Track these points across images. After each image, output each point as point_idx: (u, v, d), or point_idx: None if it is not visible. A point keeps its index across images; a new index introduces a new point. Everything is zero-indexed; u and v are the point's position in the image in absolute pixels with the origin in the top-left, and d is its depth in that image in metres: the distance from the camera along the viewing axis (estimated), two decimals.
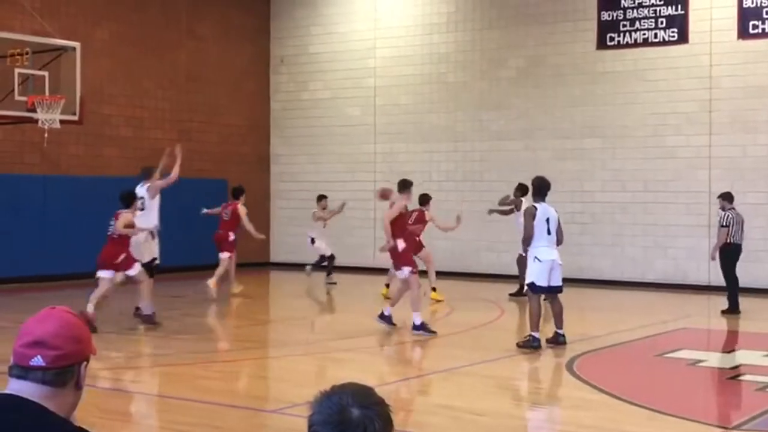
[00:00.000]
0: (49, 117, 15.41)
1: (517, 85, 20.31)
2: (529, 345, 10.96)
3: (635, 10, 18.99)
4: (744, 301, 15.03)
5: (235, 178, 22.44)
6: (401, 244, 12.39)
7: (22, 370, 2.53)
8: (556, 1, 19.87)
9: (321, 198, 19.01)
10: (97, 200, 19.02)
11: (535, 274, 11.20)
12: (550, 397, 8.89)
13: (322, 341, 12.49)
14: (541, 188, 11.57)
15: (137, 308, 13.08)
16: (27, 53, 15.37)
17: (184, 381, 9.49)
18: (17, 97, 15.43)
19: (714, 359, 11.15)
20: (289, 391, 8.90)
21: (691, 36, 18.48)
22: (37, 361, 2.51)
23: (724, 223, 14.95)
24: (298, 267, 19.68)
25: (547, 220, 11.27)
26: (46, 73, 15.76)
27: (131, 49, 20.35)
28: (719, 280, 15.76)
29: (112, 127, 19.91)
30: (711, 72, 18.30)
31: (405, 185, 12.85)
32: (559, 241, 11.40)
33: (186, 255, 19.93)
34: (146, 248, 13.49)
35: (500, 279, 19.82)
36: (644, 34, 18.93)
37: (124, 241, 12.64)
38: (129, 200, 12.96)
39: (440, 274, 16.81)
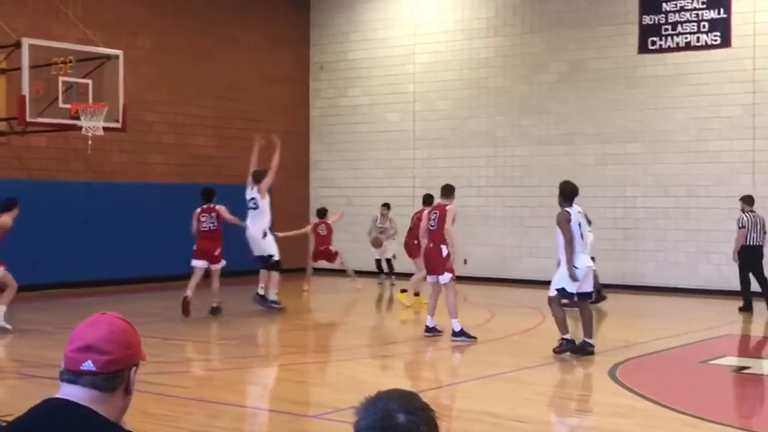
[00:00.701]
0: (93, 124, 15.61)
1: (558, 89, 20.21)
2: (565, 349, 10.84)
3: (677, 14, 18.82)
4: None
5: (275, 184, 22.56)
6: (445, 250, 12.34)
7: (73, 375, 2.55)
8: (597, 6, 19.76)
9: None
10: (141, 206, 19.27)
11: (567, 281, 11.02)
12: (592, 404, 8.82)
13: (363, 347, 12.50)
14: (571, 193, 11.42)
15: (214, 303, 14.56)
16: (71, 61, 15.58)
17: (227, 385, 9.54)
18: (61, 105, 15.65)
19: (759, 366, 11.01)
20: (330, 397, 8.92)
21: (733, 39, 18.28)
22: (88, 365, 2.54)
23: (741, 225, 15.51)
24: (338, 273, 19.71)
25: (579, 224, 11.17)
26: (89, 81, 15.96)
27: (173, 57, 20.54)
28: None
29: (154, 134, 20.10)
30: (754, 76, 18.09)
31: (450, 191, 12.81)
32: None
33: (229, 261, 20.06)
34: (262, 245, 14.81)
35: (541, 285, 19.71)
36: (686, 38, 18.75)
37: (219, 236, 14.52)
38: (210, 195, 14.90)
39: (481, 280, 16.75)
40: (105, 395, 2.55)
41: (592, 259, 16.34)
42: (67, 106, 15.61)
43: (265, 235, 14.91)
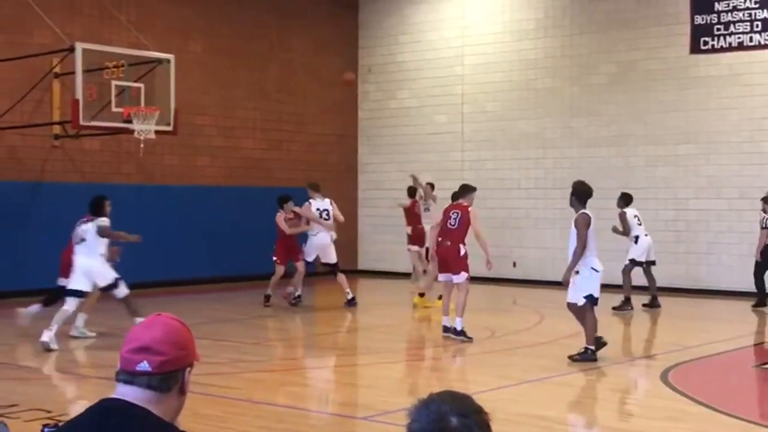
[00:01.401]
0: (145, 128, 15.79)
1: (608, 90, 20.04)
2: (588, 358, 10.54)
3: (729, 14, 18.56)
4: None
5: (324, 187, 22.63)
6: (462, 249, 12.29)
7: (128, 375, 2.59)
8: (648, 6, 19.56)
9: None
10: (190, 208, 19.46)
11: (594, 286, 10.70)
12: (644, 408, 8.73)
13: (411, 349, 12.49)
14: (586, 195, 11.02)
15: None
16: (123, 66, 15.78)
17: (275, 387, 9.59)
18: (114, 109, 15.84)
19: None
20: (379, 399, 8.93)
21: None
22: (144, 366, 2.57)
23: (765, 225, 15.86)
24: (385, 275, 19.73)
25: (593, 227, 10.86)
26: (141, 85, 16.15)
27: (223, 61, 20.73)
28: None
29: (204, 137, 20.29)
30: None
31: (468, 190, 12.86)
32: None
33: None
34: (331, 253, 16.04)
35: None
36: (739, 37, 18.48)
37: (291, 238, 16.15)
38: (285, 200, 16.37)
39: (530, 283, 16.65)
40: (160, 395, 2.58)
41: (653, 263, 16.09)
42: (120, 109, 15.80)
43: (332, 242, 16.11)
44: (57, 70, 17.00)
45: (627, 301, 15.69)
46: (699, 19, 18.90)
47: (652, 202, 19.36)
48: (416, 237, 18.14)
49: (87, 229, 12.20)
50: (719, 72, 18.73)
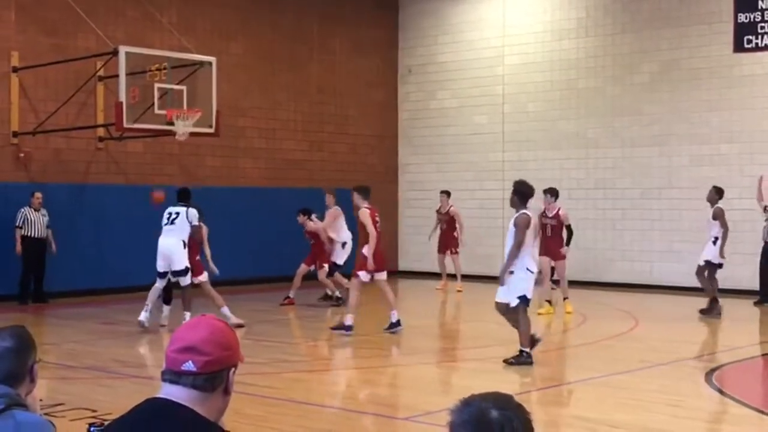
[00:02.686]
0: (187, 129, 15.92)
1: (650, 90, 19.87)
2: (523, 361, 10.37)
3: None
4: None
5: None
6: (363, 249, 12.74)
7: (174, 375, 2.61)
8: (690, 4, 19.36)
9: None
10: (233, 210, 19.58)
11: (526, 287, 10.44)
12: (689, 410, 8.64)
13: (452, 350, 12.47)
14: (528, 195, 10.66)
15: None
16: (165, 68, 15.92)
17: (316, 387, 9.63)
18: (157, 111, 15.99)
19: None
20: (420, 399, 8.92)
21: None
22: (189, 366, 2.59)
23: None
24: (426, 275, 19.72)
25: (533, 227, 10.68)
26: (183, 88, 16.28)
27: (264, 63, 20.83)
28: None
29: (246, 139, 20.41)
30: None
31: (361, 191, 13.07)
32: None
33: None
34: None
35: (634, 288, 19.41)
36: None
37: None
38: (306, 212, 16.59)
39: (572, 284, 16.52)
40: (205, 395, 2.60)
41: (720, 266, 15.34)
42: (163, 112, 15.94)
43: None
44: (101, 73, 17.20)
45: (714, 302, 15.02)
46: (742, 17, 18.66)
47: (695, 202, 19.13)
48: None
49: (180, 212, 13.44)
50: (763, 70, 18.49)
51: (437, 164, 22.94)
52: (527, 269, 10.47)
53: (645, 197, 19.92)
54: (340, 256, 16.36)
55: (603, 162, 20.45)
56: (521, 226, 10.42)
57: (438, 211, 19.68)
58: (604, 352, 11.97)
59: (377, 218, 13.00)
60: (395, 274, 23.03)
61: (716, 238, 15.04)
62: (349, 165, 22.42)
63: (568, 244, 15.57)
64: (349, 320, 12.71)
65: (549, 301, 15.42)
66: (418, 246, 22.73)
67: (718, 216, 14.96)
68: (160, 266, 13.45)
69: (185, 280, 13.31)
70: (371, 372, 10.91)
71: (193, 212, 13.50)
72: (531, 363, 10.42)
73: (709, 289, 15.10)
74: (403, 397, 9.69)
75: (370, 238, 12.67)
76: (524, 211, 10.50)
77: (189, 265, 13.33)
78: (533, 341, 10.60)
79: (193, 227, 13.45)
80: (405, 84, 23.66)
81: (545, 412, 8.76)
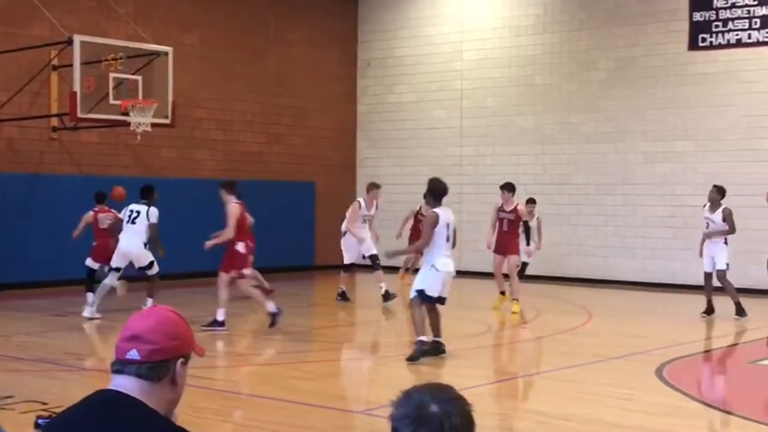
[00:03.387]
0: (142, 120, 15.78)
1: (606, 87, 20.05)
2: (419, 351, 10.34)
3: (728, 11, 18.56)
4: None
5: (323, 181, 22.68)
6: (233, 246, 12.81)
7: (120, 364, 2.60)
8: (646, 2, 19.56)
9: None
10: (188, 201, 19.43)
11: (428, 283, 10.41)
12: (639, 404, 8.74)
13: (410, 343, 12.47)
14: (441, 193, 10.67)
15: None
16: (121, 58, 15.77)
17: (274, 381, 9.60)
18: (111, 101, 15.83)
19: None
20: (376, 393, 8.94)
21: None
22: (133, 354, 2.58)
23: None
24: (387, 269, 19.67)
25: (447, 225, 10.50)
26: (139, 78, 16.14)
27: (221, 54, 20.70)
28: None
29: (202, 130, 20.27)
30: None
31: (228, 186, 13.04)
32: (453, 246, 10.74)
33: (274, 256, 20.19)
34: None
35: (589, 283, 19.59)
36: (737, 34, 18.49)
37: None
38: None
39: (528, 278, 16.63)
40: (150, 385, 2.58)
41: (726, 265, 14.91)
42: (117, 102, 15.79)
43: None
44: (55, 62, 16.99)
45: (739, 305, 14.46)
46: (698, 16, 18.90)
47: (649, 198, 19.41)
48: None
49: (140, 211, 13.55)
50: (717, 69, 18.74)
51: (395, 158, 22.97)
52: (433, 266, 10.38)
53: (600, 193, 20.11)
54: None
55: (559, 158, 20.61)
56: (427, 224, 10.54)
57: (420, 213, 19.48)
58: (557, 346, 12.07)
59: (247, 214, 13.00)
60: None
61: (726, 239, 14.42)
62: (306, 158, 22.37)
63: (528, 241, 15.63)
64: (221, 315, 12.54)
65: (503, 293, 15.33)
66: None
67: (728, 216, 14.30)
68: (116, 262, 13.58)
69: (152, 271, 13.83)
70: (328, 365, 10.90)
71: (154, 211, 13.65)
72: (427, 353, 10.30)
73: (732, 291, 14.45)
74: (359, 391, 9.70)
75: (230, 232, 12.60)
76: (434, 209, 10.49)
77: (153, 259, 13.81)
78: (438, 349, 10.54)
79: (150, 225, 13.55)
80: (364, 77, 23.65)
81: (499, 405, 8.82)
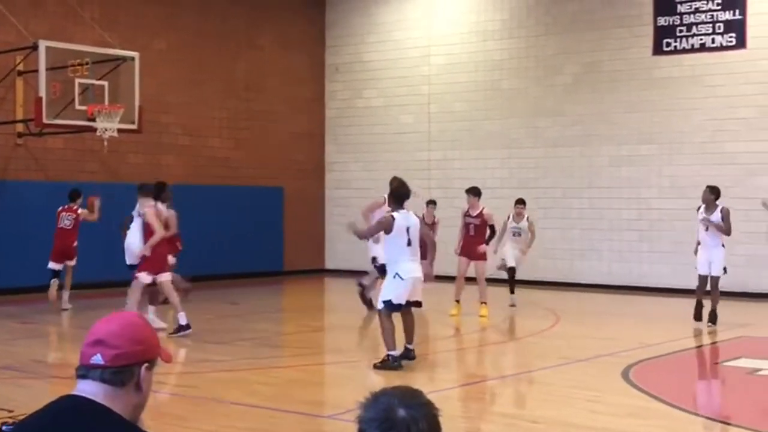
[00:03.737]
0: (108, 125, 15.69)
1: (572, 91, 20.20)
2: (389, 366, 10.16)
3: (692, 15, 18.77)
4: None
5: (291, 186, 22.66)
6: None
7: (84, 369, 2.60)
8: (611, 7, 19.74)
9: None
10: None
11: (393, 293, 10.15)
12: (606, 405, 8.82)
13: (378, 348, 12.49)
14: (403, 196, 10.40)
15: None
16: (87, 63, 15.68)
17: (241, 386, 9.58)
18: (78, 107, 15.73)
19: None
20: (344, 397, 8.94)
21: (749, 41, 18.23)
22: (97, 359, 2.58)
23: None
24: (353, 274, 19.71)
25: (408, 229, 10.20)
26: (105, 83, 16.06)
27: (189, 59, 20.62)
28: None
29: (170, 135, 20.18)
30: None
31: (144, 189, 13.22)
32: (423, 252, 10.51)
33: (243, 261, 20.15)
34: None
35: (556, 286, 19.71)
36: (701, 39, 18.70)
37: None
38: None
39: (495, 282, 16.68)
40: (115, 390, 2.57)
41: (724, 270, 14.62)
42: (84, 107, 15.70)
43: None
44: (20, 67, 16.86)
45: (715, 312, 13.97)
46: (662, 21, 19.10)
47: (615, 201, 19.58)
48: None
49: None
50: (681, 73, 18.94)
51: (364, 162, 22.99)
52: (397, 274, 10.16)
53: (566, 197, 20.25)
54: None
55: (526, 162, 20.73)
56: (378, 223, 10.58)
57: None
58: (525, 348, 12.15)
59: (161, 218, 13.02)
60: (321, 272, 23.04)
61: (723, 243, 14.09)
62: (275, 162, 22.34)
63: (487, 243, 15.53)
64: (182, 319, 12.50)
65: (458, 301, 15.09)
66: (346, 244, 22.73)
67: (725, 217, 13.92)
68: (128, 259, 13.62)
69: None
70: (296, 371, 10.89)
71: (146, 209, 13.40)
72: (397, 367, 10.11)
73: (717, 298, 14.14)
74: (327, 396, 9.71)
75: (157, 236, 12.61)
76: (393, 213, 10.29)
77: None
78: (408, 355, 10.44)
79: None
80: (332, 82, 23.66)
81: (467, 408, 8.86)
